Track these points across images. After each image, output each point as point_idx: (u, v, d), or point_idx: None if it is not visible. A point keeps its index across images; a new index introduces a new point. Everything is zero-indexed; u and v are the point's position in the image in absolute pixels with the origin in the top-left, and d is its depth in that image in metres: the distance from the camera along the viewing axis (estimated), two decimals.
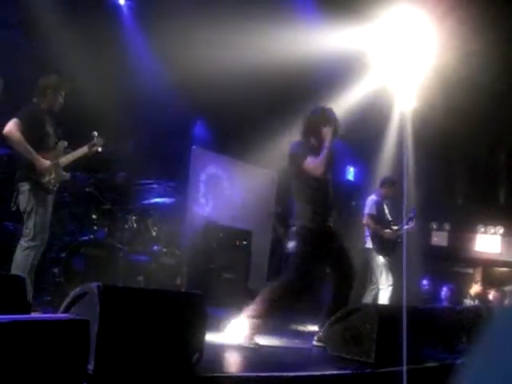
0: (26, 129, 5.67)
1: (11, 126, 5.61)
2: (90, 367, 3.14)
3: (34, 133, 5.75)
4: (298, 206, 5.62)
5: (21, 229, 6.03)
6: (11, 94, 7.88)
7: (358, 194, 10.70)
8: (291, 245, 5.57)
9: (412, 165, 10.36)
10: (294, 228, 5.61)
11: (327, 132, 5.50)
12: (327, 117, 5.62)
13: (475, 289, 10.98)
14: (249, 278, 9.69)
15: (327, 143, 5.45)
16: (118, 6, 9.42)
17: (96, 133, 6.30)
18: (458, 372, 1.09)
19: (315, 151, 5.50)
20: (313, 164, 5.42)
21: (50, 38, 7.92)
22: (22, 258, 5.66)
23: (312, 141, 5.62)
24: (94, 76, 8.01)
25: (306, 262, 5.57)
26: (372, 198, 8.40)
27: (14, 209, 5.86)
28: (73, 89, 6.32)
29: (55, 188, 5.96)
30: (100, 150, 6.32)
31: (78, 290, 3.71)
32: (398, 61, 4.89)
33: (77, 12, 8.26)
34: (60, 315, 3.49)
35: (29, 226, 5.74)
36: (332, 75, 9.43)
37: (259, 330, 5.26)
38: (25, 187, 5.77)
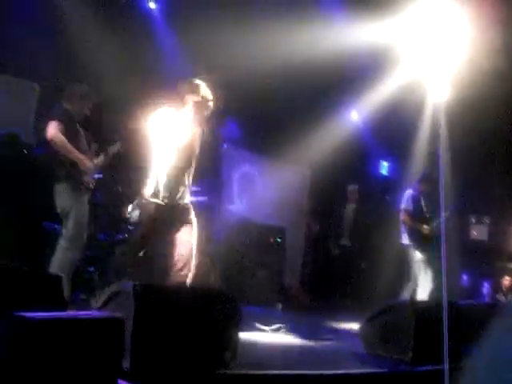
0: (64, 130, 5.71)
1: (52, 130, 5.65)
2: (125, 364, 3.15)
3: (71, 134, 5.79)
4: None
5: (59, 229, 6.06)
6: (47, 100, 7.99)
7: (392, 189, 10.59)
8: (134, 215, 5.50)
9: (448, 158, 10.21)
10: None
11: (189, 100, 5.34)
12: (196, 87, 5.40)
13: (507, 282, 10.74)
14: (283, 275, 9.66)
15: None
16: (149, 10, 9.51)
17: None
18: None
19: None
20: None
21: (82, 44, 7.99)
22: (61, 258, 5.70)
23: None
24: (126, 77, 8.06)
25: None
26: (409, 193, 8.28)
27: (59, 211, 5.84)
28: (97, 103, 6.31)
29: (92, 187, 6.00)
30: None
31: (113, 288, 3.74)
32: (430, 52, 4.81)
33: (108, 17, 8.32)
34: (95, 313, 3.51)
35: (67, 226, 5.78)
36: (364, 69, 9.35)
37: None
38: (63, 187, 5.81)
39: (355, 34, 8.46)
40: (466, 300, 6.05)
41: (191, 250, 5.29)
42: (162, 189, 5.26)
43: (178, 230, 5.30)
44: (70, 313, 3.10)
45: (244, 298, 7.14)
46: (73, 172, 5.80)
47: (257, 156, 10.57)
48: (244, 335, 4.44)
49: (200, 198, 8.43)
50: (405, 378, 4.47)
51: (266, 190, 10.21)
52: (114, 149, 6.31)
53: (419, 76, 7.72)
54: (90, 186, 5.95)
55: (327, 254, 11.03)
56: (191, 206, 5.47)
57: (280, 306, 9.07)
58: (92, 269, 7.13)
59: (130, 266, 5.50)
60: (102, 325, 2.84)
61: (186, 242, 5.29)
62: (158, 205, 5.27)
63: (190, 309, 3.76)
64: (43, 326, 2.51)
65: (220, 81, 8.33)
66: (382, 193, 11.53)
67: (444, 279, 3.23)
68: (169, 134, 5.23)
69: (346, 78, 9.84)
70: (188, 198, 5.46)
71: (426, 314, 4.95)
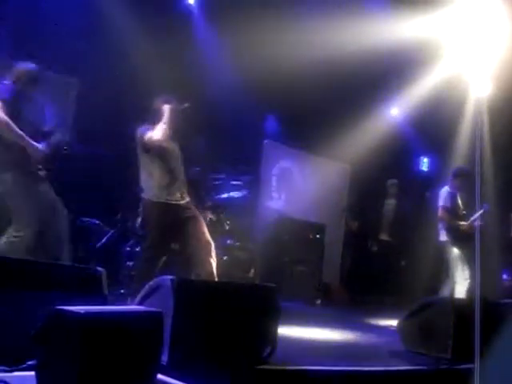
0: (10, 111, 5.60)
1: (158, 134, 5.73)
2: (164, 359, 3.19)
3: (18, 116, 5.35)
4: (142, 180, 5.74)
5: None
6: (87, 94, 8.11)
7: (432, 185, 10.47)
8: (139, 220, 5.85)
9: (489, 154, 10.06)
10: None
11: (166, 108, 5.69)
12: (168, 100, 5.79)
13: None
14: (322, 272, 9.66)
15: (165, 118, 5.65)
16: (188, 6, 9.56)
17: None
18: None
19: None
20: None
21: (122, 40, 8.09)
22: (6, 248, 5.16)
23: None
24: (166, 75, 8.13)
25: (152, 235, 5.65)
26: (446, 190, 8.17)
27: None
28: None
29: (43, 175, 5.56)
30: None
31: (152, 283, 3.79)
32: (472, 48, 4.75)
33: (148, 14, 8.39)
34: (135, 307, 3.56)
35: (15, 216, 5.29)
36: (404, 64, 9.25)
37: None
38: (9, 175, 5.30)
39: (397, 29, 8.38)
40: (505, 298, 5.96)
41: (209, 240, 5.49)
42: (164, 190, 5.48)
43: (189, 225, 5.48)
44: (110, 307, 3.15)
45: (283, 294, 7.17)
46: (20, 158, 5.27)
47: (296, 151, 10.57)
48: (283, 330, 4.47)
49: (239, 193, 8.48)
50: (444, 375, 4.44)
51: (305, 185, 10.20)
52: (55, 140, 5.78)
53: (461, 71, 7.62)
54: (40, 173, 5.42)
55: (366, 250, 10.99)
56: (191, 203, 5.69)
57: (319, 302, 9.08)
58: (131, 263, 7.23)
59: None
60: (141, 319, 2.87)
61: (202, 234, 5.48)
62: (162, 204, 5.46)
63: (229, 303, 3.79)
64: (84, 320, 2.56)
65: (261, 77, 8.39)
66: (422, 189, 11.41)
67: (478, 276, 3.19)
68: (157, 136, 5.61)
69: (387, 73, 9.76)
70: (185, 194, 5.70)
71: (465, 311, 4.89)
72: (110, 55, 7.99)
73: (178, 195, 5.58)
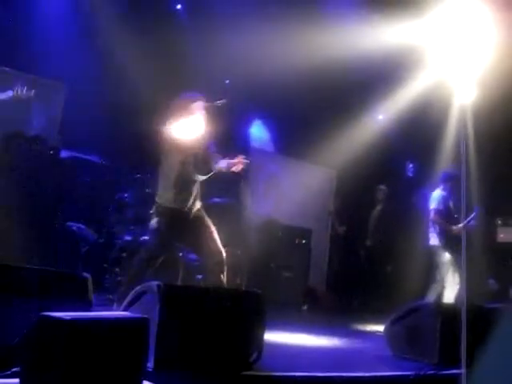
0: None
1: None
2: (150, 365, 3.18)
3: None
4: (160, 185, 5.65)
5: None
6: (75, 98, 8.08)
7: (418, 190, 10.52)
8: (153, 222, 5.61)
9: (474, 160, 10.11)
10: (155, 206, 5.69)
11: (196, 105, 5.49)
12: (198, 99, 5.57)
13: None
14: (308, 277, 9.66)
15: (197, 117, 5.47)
16: (176, 11, 9.57)
17: None
18: None
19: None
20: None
21: (110, 43, 8.07)
22: None
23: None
24: (153, 77, 8.12)
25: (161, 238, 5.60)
26: (439, 193, 8.16)
27: None
28: None
29: None
30: None
31: (138, 288, 3.77)
32: (456, 53, 4.77)
33: (136, 17, 8.39)
34: (120, 313, 3.55)
35: None
36: (390, 71, 9.29)
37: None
38: None
39: (383, 36, 8.43)
40: (492, 303, 5.97)
41: (220, 249, 5.39)
42: (179, 195, 5.42)
43: (200, 233, 5.42)
44: (96, 313, 3.13)
45: (269, 299, 7.15)
46: None
47: (283, 156, 10.57)
48: (269, 336, 4.46)
49: (225, 199, 8.46)
50: (431, 380, 4.44)
51: (291, 190, 10.19)
52: None
53: (445, 77, 7.66)
54: None
55: (353, 255, 11.01)
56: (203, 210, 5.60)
57: (305, 307, 9.07)
58: (117, 269, 7.20)
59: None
60: (127, 325, 2.86)
61: (213, 243, 5.38)
62: (176, 210, 5.40)
63: (215, 308, 3.78)
64: (69, 326, 2.54)
65: (248, 83, 8.40)
66: (408, 194, 11.45)
67: (463, 281, 3.21)
68: (183, 132, 5.40)
69: (372, 79, 9.80)
70: (200, 202, 5.60)
71: (451, 315, 4.91)
72: (98, 60, 7.97)
73: (192, 202, 5.52)
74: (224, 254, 5.42)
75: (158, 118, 5.57)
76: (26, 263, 4.67)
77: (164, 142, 5.46)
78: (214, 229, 5.49)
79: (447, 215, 8.10)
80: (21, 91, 5.51)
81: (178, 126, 5.37)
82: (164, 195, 5.54)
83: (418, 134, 10.72)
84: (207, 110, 5.54)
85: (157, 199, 5.62)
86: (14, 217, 6.03)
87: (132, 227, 7.64)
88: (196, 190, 5.56)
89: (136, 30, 8.20)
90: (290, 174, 10.46)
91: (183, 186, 5.48)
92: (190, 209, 5.48)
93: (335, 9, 8.51)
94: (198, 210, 5.56)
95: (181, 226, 5.45)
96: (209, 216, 7.78)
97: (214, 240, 5.42)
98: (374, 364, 4.96)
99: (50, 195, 5.91)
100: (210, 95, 5.67)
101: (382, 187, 10.99)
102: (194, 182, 5.54)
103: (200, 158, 5.51)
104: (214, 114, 5.59)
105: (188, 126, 5.41)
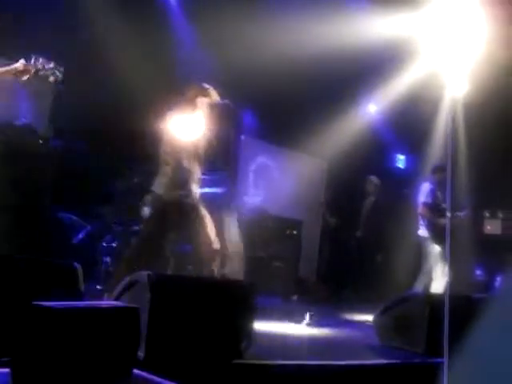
0: None
1: None
2: (141, 354, 3.20)
3: None
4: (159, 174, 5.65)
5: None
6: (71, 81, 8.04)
7: (409, 182, 10.57)
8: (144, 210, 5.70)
9: (463, 152, 10.17)
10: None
11: (201, 102, 5.48)
12: (206, 91, 5.56)
13: None
14: (299, 267, 9.70)
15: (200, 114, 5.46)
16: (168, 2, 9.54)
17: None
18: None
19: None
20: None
21: (102, 35, 8.04)
22: None
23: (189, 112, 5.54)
24: (143, 69, 8.10)
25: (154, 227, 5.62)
26: (426, 186, 8.24)
27: None
28: None
29: None
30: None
31: (129, 278, 3.79)
32: (447, 46, 4.80)
33: (127, 8, 8.35)
34: (110, 303, 3.56)
35: None
36: (381, 62, 9.31)
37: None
38: None
39: (374, 27, 8.43)
40: (479, 294, 6.03)
41: (213, 241, 5.40)
42: (173, 185, 5.42)
43: (194, 222, 5.42)
44: (86, 303, 3.15)
45: (259, 289, 7.18)
46: None
47: (274, 147, 10.59)
48: (259, 325, 4.49)
49: (216, 189, 8.47)
50: (418, 369, 4.50)
51: (282, 181, 10.22)
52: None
53: (437, 70, 7.68)
54: None
55: (343, 246, 11.05)
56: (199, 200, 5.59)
57: (295, 297, 9.11)
58: (108, 259, 7.21)
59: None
60: (118, 315, 2.88)
61: (207, 234, 5.39)
62: (170, 199, 5.41)
63: (206, 298, 3.81)
64: (60, 315, 2.56)
65: (238, 72, 8.38)
66: (398, 186, 11.50)
67: (448, 271, 3.25)
68: (183, 134, 5.42)
69: (364, 70, 9.81)
70: (197, 193, 5.60)
71: (439, 306, 4.96)
72: (90, 50, 7.94)
73: (188, 193, 5.52)
74: (218, 245, 5.43)
75: (158, 112, 5.57)
76: (16, 253, 4.69)
77: (161, 138, 5.49)
78: (208, 219, 5.49)
79: (435, 207, 8.17)
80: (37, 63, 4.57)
81: (177, 124, 5.38)
82: (159, 184, 5.55)
83: (409, 126, 10.75)
84: (211, 107, 5.53)
85: (152, 188, 5.63)
86: (5, 207, 6.02)
87: (123, 217, 7.64)
88: (191, 179, 5.57)
89: (127, 22, 8.17)
90: (281, 164, 10.48)
91: (179, 175, 5.48)
92: (185, 198, 5.48)
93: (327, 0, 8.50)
94: (193, 199, 5.55)
95: (174, 215, 5.46)
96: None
97: (207, 230, 5.42)
98: (362, 353, 5.01)
99: (41, 186, 5.89)
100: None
101: (373, 178, 11.02)
102: (190, 171, 5.54)
103: (197, 156, 5.53)
104: (217, 113, 5.59)
105: (187, 125, 5.42)
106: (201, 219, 5.46)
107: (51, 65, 4.65)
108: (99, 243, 7.52)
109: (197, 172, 5.61)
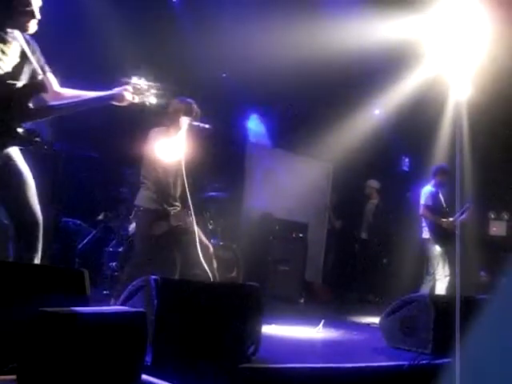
0: None
1: None
2: (148, 359, 3.21)
3: None
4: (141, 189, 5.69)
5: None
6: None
7: (413, 185, 10.58)
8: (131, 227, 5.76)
9: (468, 154, 10.18)
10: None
11: (183, 121, 5.48)
12: (189, 107, 5.57)
13: None
14: (305, 271, 9.70)
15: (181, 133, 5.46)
16: (171, 3, 9.55)
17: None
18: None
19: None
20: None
21: (103, 31, 8.04)
22: None
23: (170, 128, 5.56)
24: (148, 68, 8.12)
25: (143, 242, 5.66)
26: (427, 188, 8.30)
27: None
28: None
29: None
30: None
31: (135, 283, 3.80)
32: (452, 49, 4.81)
33: (130, 6, 8.36)
34: (117, 307, 3.57)
35: None
36: (386, 65, 9.31)
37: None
38: None
39: (378, 31, 8.45)
40: (483, 295, 6.04)
41: (207, 244, 5.44)
42: (159, 199, 5.50)
43: (185, 236, 5.46)
44: (93, 308, 3.15)
45: (266, 292, 7.19)
46: None
47: (280, 151, 10.60)
48: (266, 329, 4.50)
49: (223, 193, 8.49)
50: (425, 370, 4.49)
51: (288, 185, 10.23)
52: None
53: (441, 73, 7.70)
54: None
55: (349, 248, 11.06)
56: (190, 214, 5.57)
57: (302, 300, 9.12)
58: (114, 264, 7.23)
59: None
60: (124, 319, 2.89)
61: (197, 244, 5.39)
62: (156, 211, 5.43)
63: (213, 302, 3.82)
64: (67, 321, 2.56)
65: (244, 77, 8.40)
66: (403, 188, 11.51)
67: (457, 272, 3.25)
68: (164, 153, 5.43)
69: (369, 74, 9.82)
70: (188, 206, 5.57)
71: (444, 307, 4.99)
72: (91, 49, 7.95)
73: (174, 205, 5.56)
74: (211, 247, 5.45)
75: (142, 134, 5.61)
76: None
77: (146, 157, 5.56)
78: (195, 232, 5.40)
79: (436, 209, 8.21)
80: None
81: (161, 146, 5.43)
82: (143, 197, 5.59)
83: (414, 129, 10.75)
84: (192, 129, 5.53)
85: (136, 202, 5.67)
86: None
87: (128, 222, 7.66)
88: (177, 191, 5.62)
89: (129, 21, 8.18)
90: (287, 168, 10.49)
91: (163, 188, 5.54)
92: (170, 210, 5.52)
93: (333, 3, 8.50)
94: (179, 212, 5.59)
95: (162, 227, 5.50)
96: (207, 210, 7.83)
97: (195, 247, 5.33)
98: (369, 355, 5.02)
99: (45, 191, 5.89)
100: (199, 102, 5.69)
101: (370, 182, 11.07)
102: (171, 192, 5.60)
103: (179, 174, 5.55)
104: (198, 135, 5.61)
105: (169, 146, 5.44)
106: (188, 232, 5.45)
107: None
108: (105, 248, 7.54)
109: (177, 195, 5.65)
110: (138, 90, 4.24)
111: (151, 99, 4.32)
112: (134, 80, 4.28)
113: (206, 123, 5.58)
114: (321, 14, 8.22)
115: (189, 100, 5.67)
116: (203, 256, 5.28)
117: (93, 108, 4.52)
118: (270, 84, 8.75)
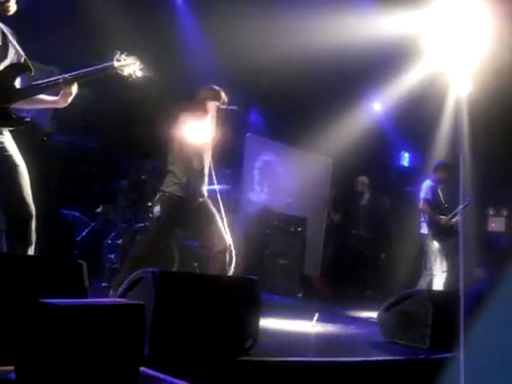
0: None
1: None
2: (146, 351, 3.21)
3: None
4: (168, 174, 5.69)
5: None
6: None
7: (413, 180, 10.59)
8: (155, 209, 5.69)
9: (468, 149, 10.17)
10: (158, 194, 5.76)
11: (212, 106, 5.58)
12: (217, 94, 5.66)
13: None
14: (303, 265, 9.71)
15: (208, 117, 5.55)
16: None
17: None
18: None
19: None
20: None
21: (103, 24, 8.02)
22: None
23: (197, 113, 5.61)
24: (148, 65, 8.10)
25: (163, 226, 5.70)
26: (427, 183, 8.31)
27: None
28: None
29: None
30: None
31: (134, 275, 3.80)
32: (453, 45, 4.80)
33: (131, 4, 8.34)
34: (116, 300, 3.58)
35: None
36: (386, 60, 9.30)
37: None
38: None
39: (380, 26, 8.44)
40: (482, 290, 6.05)
41: (223, 237, 5.42)
42: (184, 183, 5.46)
43: (204, 220, 5.47)
44: (91, 300, 3.15)
45: (264, 286, 7.20)
46: None
47: (279, 144, 10.59)
48: (264, 322, 4.50)
49: (221, 187, 8.48)
50: (422, 364, 4.51)
51: (287, 179, 10.22)
52: None
53: (442, 68, 7.69)
54: None
55: (347, 243, 11.07)
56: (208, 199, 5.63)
57: (300, 294, 9.13)
58: (112, 256, 7.23)
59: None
60: (123, 311, 2.89)
61: (215, 232, 5.42)
62: (180, 198, 5.45)
63: (211, 295, 3.82)
64: (65, 313, 2.56)
65: (244, 71, 8.39)
66: (403, 184, 11.52)
67: (461, 268, 3.25)
68: (193, 136, 5.47)
69: (369, 68, 9.81)
70: (205, 192, 5.66)
71: (442, 302, 5.01)
72: (92, 44, 7.94)
73: (196, 190, 5.56)
74: (228, 243, 5.44)
75: (170, 117, 5.63)
76: None
77: (173, 140, 5.56)
78: (218, 217, 5.51)
79: (435, 204, 8.22)
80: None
81: (188, 126, 5.46)
82: (168, 183, 5.59)
83: (414, 124, 10.75)
84: (219, 112, 5.60)
85: (162, 187, 5.67)
86: None
87: (127, 214, 7.67)
88: (201, 178, 5.62)
89: (133, 20, 8.17)
90: (285, 162, 10.48)
91: (188, 174, 5.54)
92: (195, 197, 5.52)
93: None
94: (203, 197, 5.60)
95: (184, 214, 5.51)
96: None
97: (218, 228, 5.43)
98: (367, 349, 5.03)
99: (44, 183, 5.89)
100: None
101: (362, 178, 11.08)
102: (199, 171, 5.60)
103: (206, 157, 5.62)
104: (224, 118, 5.66)
105: (199, 129, 5.48)
106: (210, 216, 5.49)
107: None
108: (103, 240, 7.54)
109: (205, 172, 5.67)
110: (125, 63, 4.51)
111: (137, 72, 4.56)
112: (120, 54, 4.53)
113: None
114: (321, 9, 8.21)
115: (216, 87, 5.74)
116: (214, 248, 5.31)
117: (93, 101, 4.56)
118: (270, 77, 8.74)
